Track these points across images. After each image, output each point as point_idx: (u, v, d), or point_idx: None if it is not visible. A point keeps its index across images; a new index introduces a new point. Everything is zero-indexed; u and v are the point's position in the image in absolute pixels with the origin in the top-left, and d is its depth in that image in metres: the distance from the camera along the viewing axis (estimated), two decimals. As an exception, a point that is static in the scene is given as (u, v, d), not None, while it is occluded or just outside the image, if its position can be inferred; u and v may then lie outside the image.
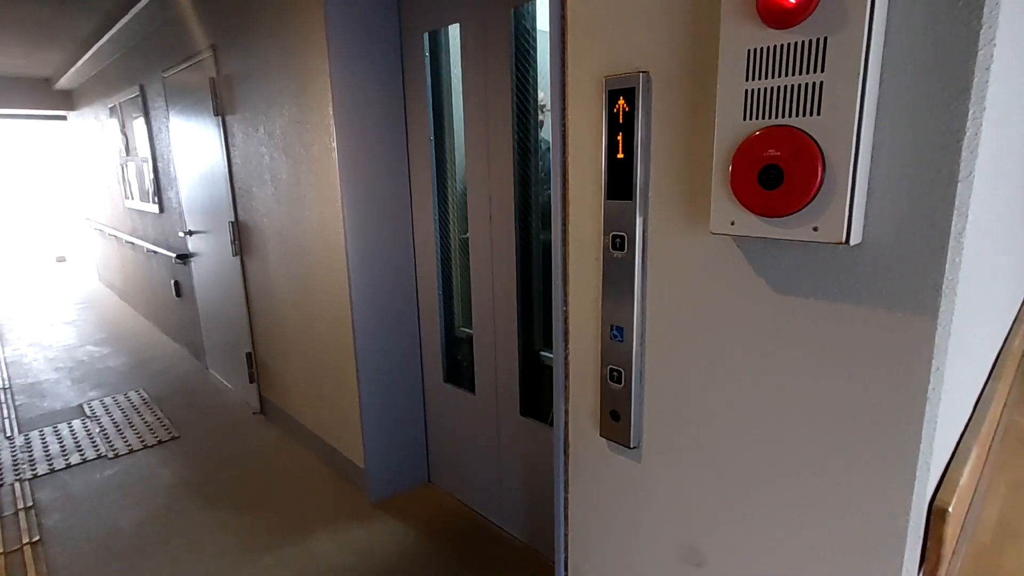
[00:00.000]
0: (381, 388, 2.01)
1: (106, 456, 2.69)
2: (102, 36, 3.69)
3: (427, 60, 1.74)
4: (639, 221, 0.97)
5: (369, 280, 1.88)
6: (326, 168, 1.84)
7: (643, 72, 0.91)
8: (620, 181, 0.97)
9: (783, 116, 0.71)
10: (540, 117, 1.46)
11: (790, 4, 0.67)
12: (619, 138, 0.96)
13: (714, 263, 0.89)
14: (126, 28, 3.40)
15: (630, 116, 0.93)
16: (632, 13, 0.91)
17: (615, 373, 1.06)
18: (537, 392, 1.68)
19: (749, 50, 0.73)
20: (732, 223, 0.79)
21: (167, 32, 3.14)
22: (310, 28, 1.77)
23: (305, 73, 1.84)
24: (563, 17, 1.02)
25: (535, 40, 1.40)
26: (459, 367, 1.96)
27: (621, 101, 0.94)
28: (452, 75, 1.70)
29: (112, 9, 3.21)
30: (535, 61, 1.42)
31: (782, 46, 0.70)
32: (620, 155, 0.96)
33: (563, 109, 1.06)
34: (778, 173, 0.71)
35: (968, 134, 0.62)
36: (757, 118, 0.73)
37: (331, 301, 2.01)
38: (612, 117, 0.96)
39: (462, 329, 1.92)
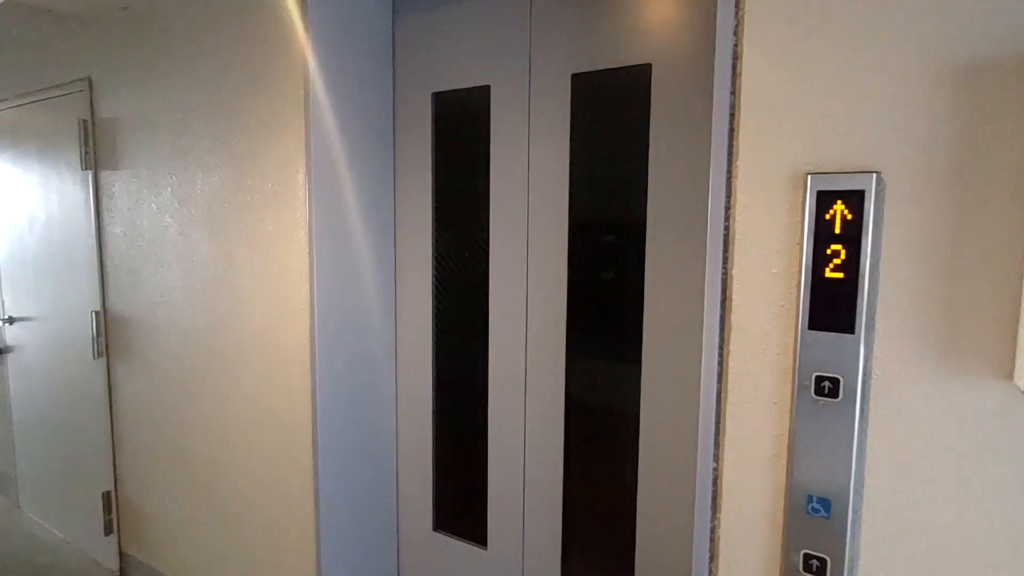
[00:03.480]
0: (346, 546, 1.51)
1: None
2: None
3: (431, 126, 1.44)
4: (862, 361, 0.75)
5: (338, 402, 1.44)
6: (287, 253, 1.41)
7: (875, 173, 0.72)
8: (833, 307, 0.76)
9: None
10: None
11: None
12: (829, 252, 0.75)
13: (989, 420, 0.69)
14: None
15: (855, 226, 0.74)
16: (856, 98, 0.73)
17: (814, 562, 0.80)
18: (590, 548, 1.35)
19: (1114, 162, 0.57)
20: (1074, 383, 0.60)
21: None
22: (275, 70, 1.39)
23: (257, 125, 1.43)
24: (734, 93, 0.81)
25: (609, 116, 1.19)
26: (459, 508, 1.55)
27: (840, 207, 0.74)
28: (461, 144, 1.41)
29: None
30: (601, 138, 1.20)
31: None
32: (834, 274, 0.75)
33: (727, 209, 0.83)
34: None
35: None
36: None
37: (276, 429, 1.51)
38: (822, 225, 0.76)
39: (466, 459, 1.53)
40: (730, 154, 0.83)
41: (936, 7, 0.68)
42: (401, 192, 1.50)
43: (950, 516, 0.72)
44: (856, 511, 0.78)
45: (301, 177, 1.35)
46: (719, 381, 0.87)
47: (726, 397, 0.86)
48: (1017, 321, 0.67)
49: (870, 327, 0.75)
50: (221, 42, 1.51)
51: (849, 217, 0.74)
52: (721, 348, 0.86)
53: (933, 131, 0.70)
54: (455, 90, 1.38)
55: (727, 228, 0.84)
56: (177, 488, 1.86)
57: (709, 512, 0.89)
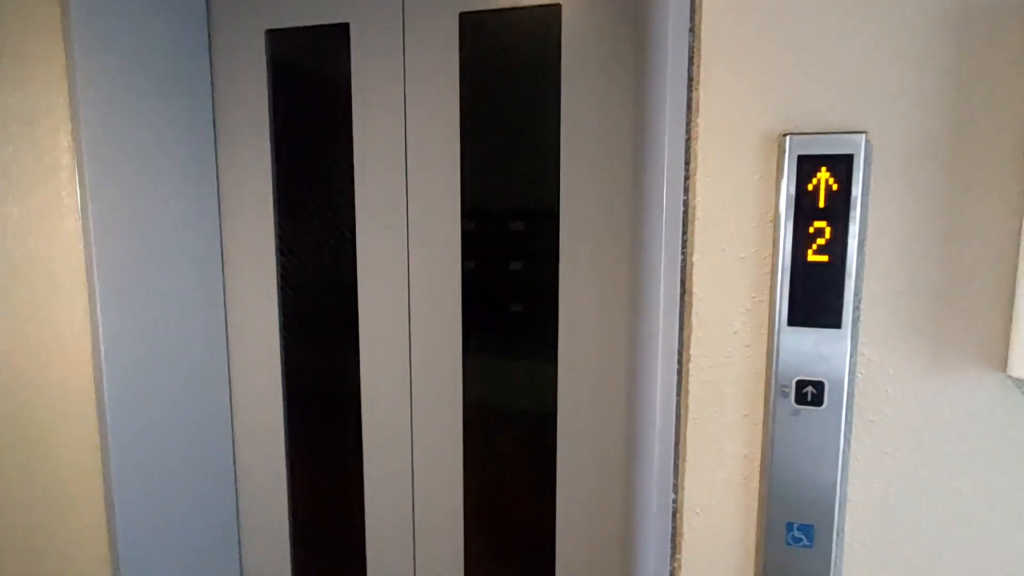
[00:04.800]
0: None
1: None
2: None
3: (267, 76, 1.08)
4: (848, 360, 0.64)
5: (143, 455, 1.03)
6: (47, 250, 0.97)
7: (863, 133, 0.60)
8: (817, 297, 0.63)
9: None
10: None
11: None
12: (812, 230, 0.63)
13: (979, 416, 0.61)
14: None
15: (843, 199, 0.61)
16: (840, 43, 0.61)
17: (796, 600, 0.68)
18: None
19: None
20: (1096, 374, 0.53)
21: None
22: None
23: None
24: (692, 31, 0.64)
25: (509, 66, 0.96)
26: (328, 565, 1.24)
27: (824, 175, 0.61)
28: (312, 101, 1.09)
29: None
30: (506, 92, 0.97)
31: None
32: (818, 256, 0.63)
33: (685, 179, 0.67)
34: None
35: None
36: None
37: (54, 501, 1.05)
38: (804, 197, 0.62)
39: (335, 497, 1.22)
40: (688, 110, 0.66)
41: (933, -69, 0.58)
42: (227, 163, 1.12)
43: (939, 526, 0.64)
44: (840, 534, 0.67)
45: (64, 139, 0.92)
46: (678, 394, 0.71)
47: (686, 413, 0.70)
48: (1012, 304, 0.59)
49: (856, 319, 0.64)
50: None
51: (835, 188, 0.62)
52: (680, 354, 0.70)
53: (926, 83, 0.59)
54: (300, 28, 1.05)
55: (685, 203, 0.68)
56: None
57: (670, 553, 0.74)
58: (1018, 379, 0.59)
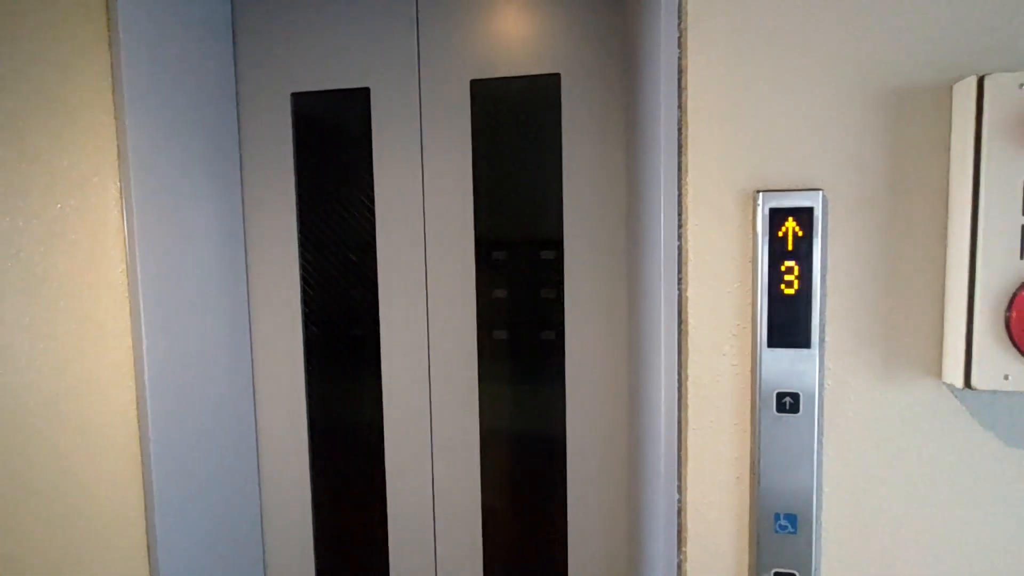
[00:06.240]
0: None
1: None
2: None
3: (292, 132, 1.18)
4: (818, 374, 0.77)
5: (184, 497, 1.09)
6: (92, 299, 1.03)
7: (820, 190, 0.75)
8: (790, 324, 0.77)
9: (1080, 258, 0.64)
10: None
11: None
12: (784, 269, 0.76)
13: (923, 417, 0.75)
14: None
15: (806, 243, 0.75)
16: (799, 115, 0.75)
17: (785, 580, 0.80)
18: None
19: (1028, 182, 0.65)
20: (1007, 377, 0.67)
21: None
22: (67, 48, 1.01)
23: (41, 112, 1.03)
24: (680, 107, 0.78)
25: (516, 126, 1.09)
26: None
27: (791, 223, 0.75)
28: (334, 154, 1.20)
29: None
30: (521, 153, 1.10)
31: (1075, 182, 0.64)
32: (789, 290, 0.76)
33: (679, 227, 0.80)
34: (1088, 323, 0.63)
35: None
36: (1043, 258, 0.65)
37: (92, 544, 1.09)
38: (776, 242, 0.76)
39: (360, 528, 1.29)
40: (679, 171, 0.79)
41: (866, 32, 0.73)
42: (253, 208, 1.22)
43: (895, 509, 0.77)
44: (818, 520, 0.80)
45: (112, 195, 1.00)
46: (679, 408, 0.83)
47: (687, 424, 0.82)
48: (942, 322, 0.74)
49: (822, 340, 0.77)
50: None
51: (800, 234, 0.76)
52: (679, 373, 0.82)
53: (866, 150, 0.74)
54: (324, 91, 1.16)
55: (679, 248, 0.81)
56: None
57: (676, 548, 0.85)
58: (951, 385, 0.73)
